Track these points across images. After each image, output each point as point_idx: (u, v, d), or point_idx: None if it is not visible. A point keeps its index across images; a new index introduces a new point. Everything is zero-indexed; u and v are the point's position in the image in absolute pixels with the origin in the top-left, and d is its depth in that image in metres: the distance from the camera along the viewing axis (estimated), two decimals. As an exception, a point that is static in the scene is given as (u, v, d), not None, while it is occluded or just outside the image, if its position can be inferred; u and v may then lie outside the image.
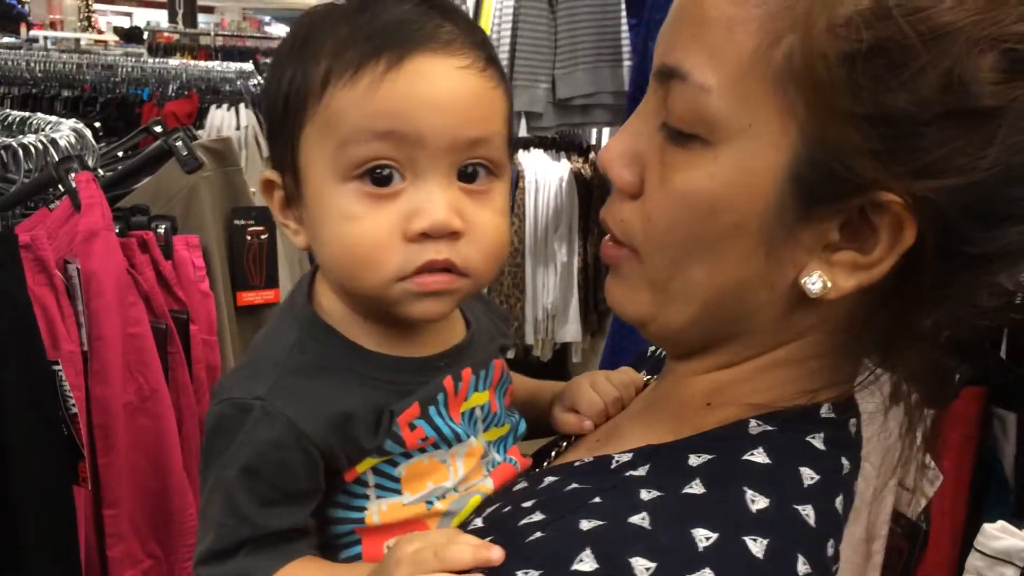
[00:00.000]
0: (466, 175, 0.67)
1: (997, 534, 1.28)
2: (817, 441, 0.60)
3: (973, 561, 1.31)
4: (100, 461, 1.49)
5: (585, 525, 0.55)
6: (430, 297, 0.67)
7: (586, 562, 0.52)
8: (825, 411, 0.62)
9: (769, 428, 0.60)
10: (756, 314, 0.60)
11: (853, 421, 0.64)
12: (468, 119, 0.65)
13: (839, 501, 0.59)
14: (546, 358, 4.33)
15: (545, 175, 4.20)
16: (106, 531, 1.52)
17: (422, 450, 0.71)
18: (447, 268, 0.66)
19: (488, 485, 0.74)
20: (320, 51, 0.66)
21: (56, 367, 1.38)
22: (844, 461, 0.61)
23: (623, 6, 3.05)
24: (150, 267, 1.60)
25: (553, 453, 0.79)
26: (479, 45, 0.68)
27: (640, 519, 0.54)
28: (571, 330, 4.29)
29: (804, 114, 0.53)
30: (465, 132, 0.65)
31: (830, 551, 0.57)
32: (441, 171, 0.65)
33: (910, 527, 1.61)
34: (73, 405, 1.39)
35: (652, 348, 0.92)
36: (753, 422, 0.60)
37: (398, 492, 0.71)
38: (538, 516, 0.59)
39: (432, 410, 0.72)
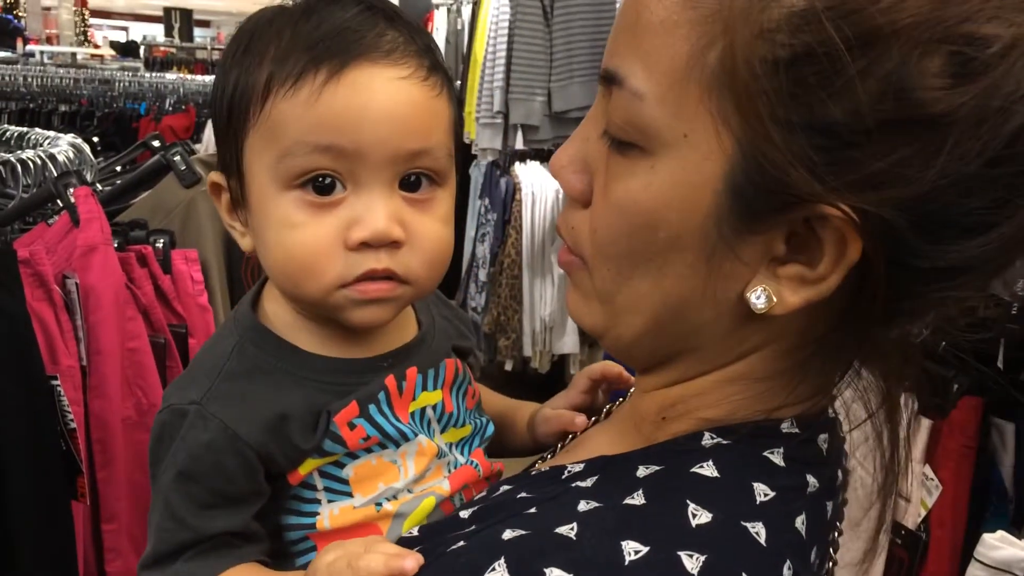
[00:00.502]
0: (408, 184, 0.68)
1: (997, 544, 1.28)
2: (776, 456, 0.56)
3: (973, 571, 1.31)
4: (99, 476, 1.49)
5: (507, 535, 0.53)
6: (372, 304, 0.68)
7: (498, 571, 0.50)
8: (787, 426, 0.58)
9: (723, 441, 0.57)
10: (704, 329, 0.57)
11: (824, 437, 0.60)
12: (408, 131, 0.65)
13: (801, 520, 0.56)
14: (544, 370, 4.32)
15: (542, 187, 4.20)
16: (104, 546, 1.51)
17: (368, 450, 0.71)
18: (388, 276, 0.67)
19: (445, 487, 0.74)
20: (263, 57, 0.66)
21: (55, 382, 1.38)
22: (810, 478, 0.57)
23: (619, 19, 3.07)
24: (149, 281, 1.60)
25: (536, 464, 0.77)
26: (422, 52, 0.67)
27: (568, 529, 0.52)
28: (569, 342, 4.28)
29: (738, 124, 0.49)
30: (406, 144, 0.65)
31: (787, 572, 0.53)
32: (382, 181, 0.66)
33: (910, 537, 1.61)
34: (72, 420, 1.39)
35: None
36: (707, 435, 0.57)
37: (348, 495, 0.71)
38: (471, 526, 0.58)
39: (373, 409, 0.71)
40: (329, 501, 0.71)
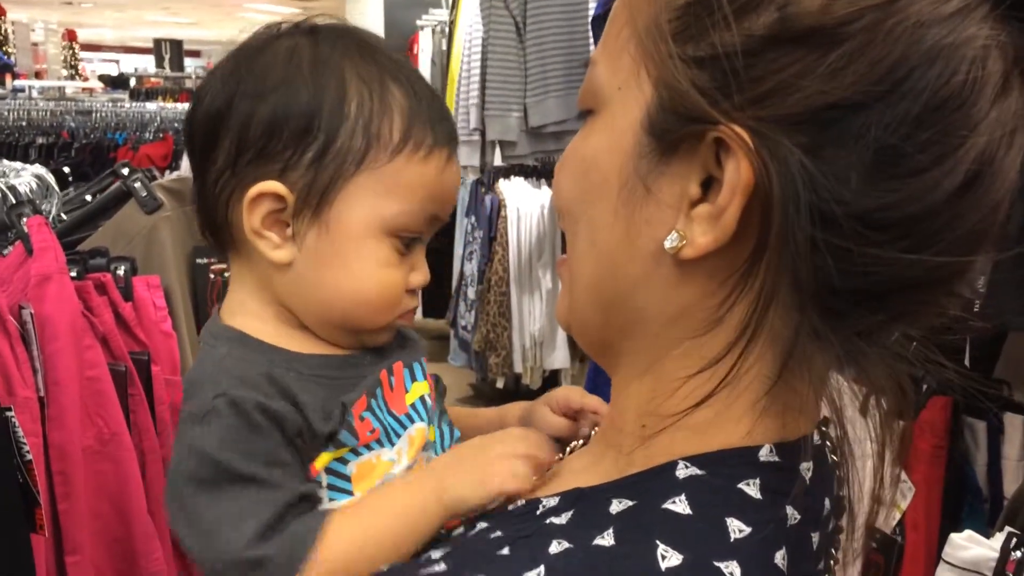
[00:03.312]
0: None
1: (965, 544, 1.27)
2: (751, 488, 0.54)
3: (943, 572, 1.29)
4: (60, 507, 1.48)
5: None
6: (392, 331, 0.80)
7: None
8: (766, 454, 0.56)
9: (698, 472, 0.55)
10: (638, 291, 0.57)
11: (807, 465, 0.58)
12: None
13: (780, 555, 0.53)
14: (536, 386, 4.31)
15: (526, 203, 4.21)
16: (69, 579, 1.49)
17: (368, 447, 0.74)
18: None
19: None
20: (383, 106, 0.74)
21: (9, 413, 1.36)
22: (790, 510, 0.55)
23: (590, 33, 3.07)
24: (108, 309, 1.59)
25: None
26: None
27: (535, 575, 0.51)
28: (559, 357, 4.28)
29: (652, 68, 0.53)
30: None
31: None
32: (426, 241, 0.80)
33: (885, 541, 1.59)
34: (28, 452, 1.38)
35: None
36: (681, 465, 0.55)
37: (349, 492, 0.73)
38: (441, 566, 0.56)
39: (374, 403, 0.76)
40: (331, 499, 0.73)
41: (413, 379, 0.81)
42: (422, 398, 0.81)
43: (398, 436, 0.77)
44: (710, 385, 0.55)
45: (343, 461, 0.73)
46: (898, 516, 1.59)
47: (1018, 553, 1.21)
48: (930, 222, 0.49)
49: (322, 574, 0.66)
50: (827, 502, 0.60)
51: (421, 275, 0.78)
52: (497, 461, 0.67)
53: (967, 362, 1.52)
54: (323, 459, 0.73)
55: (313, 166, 0.73)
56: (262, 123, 0.72)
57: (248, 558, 0.66)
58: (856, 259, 0.50)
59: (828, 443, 0.63)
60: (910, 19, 0.47)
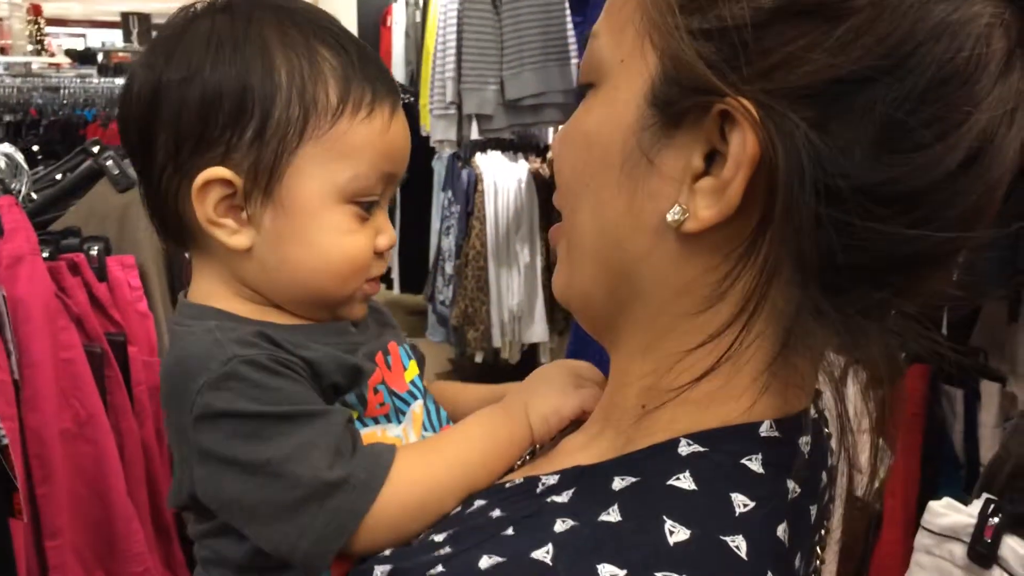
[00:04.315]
0: None
1: (942, 511, 1.28)
2: (754, 464, 0.55)
3: (921, 539, 1.31)
4: (38, 491, 1.46)
5: (484, 562, 0.51)
6: (365, 301, 0.79)
7: None
8: (766, 429, 0.56)
9: (700, 449, 0.55)
10: (642, 266, 0.57)
11: (805, 439, 0.58)
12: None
13: (783, 528, 0.54)
14: (515, 360, 4.32)
15: (504, 177, 4.18)
16: (49, 563, 1.48)
17: (376, 420, 0.75)
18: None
19: None
20: (314, 70, 0.71)
21: (-17, 398, 1.34)
22: (790, 484, 0.56)
23: (567, 5, 3.05)
24: (82, 290, 1.56)
25: (519, 462, 0.75)
26: None
27: (543, 553, 0.50)
28: (538, 330, 4.28)
29: (658, 40, 0.53)
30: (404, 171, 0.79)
31: None
32: (388, 199, 0.78)
33: (866, 510, 1.61)
34: (4, 436, 1.36)
35: None
36: (684, 442, 0.56)
37: None
38: (445, 548, 0.56)
39: (384, 379, 0.77)
40: None
41: (409, 357, 0.82)
42: (416, 377, 0.82)
43: (402, 415, 0.78)
44: (711, 359, 0.55)
45: None
46: (876, 484, 1.61)
47: (995, 519, 1.23)
48: (932, 197, 0.49)
49: (407, 494, 0.66)
50: (823, 475, 0.61)
51: (387, 237, 0.77)
52: (568, 383, 0.72)
53: (944, 330, 1.53)
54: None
55: (255, 144, 0.71)
56: (194, 110, 0.70)
57: (328, 480, 0.64)
58: (859, 234, 0.50)
59: (820, 415, 0.64)
60: None
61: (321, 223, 0.73)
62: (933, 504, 1.29)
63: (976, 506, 1.26)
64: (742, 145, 0.49)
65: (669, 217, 0.53)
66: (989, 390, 1.57)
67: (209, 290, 0.76)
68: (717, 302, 0.55)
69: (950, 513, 1.27)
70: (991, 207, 0.52)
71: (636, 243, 0.56)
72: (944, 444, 1.60)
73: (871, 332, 0.55)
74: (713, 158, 0.52)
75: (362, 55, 0.75)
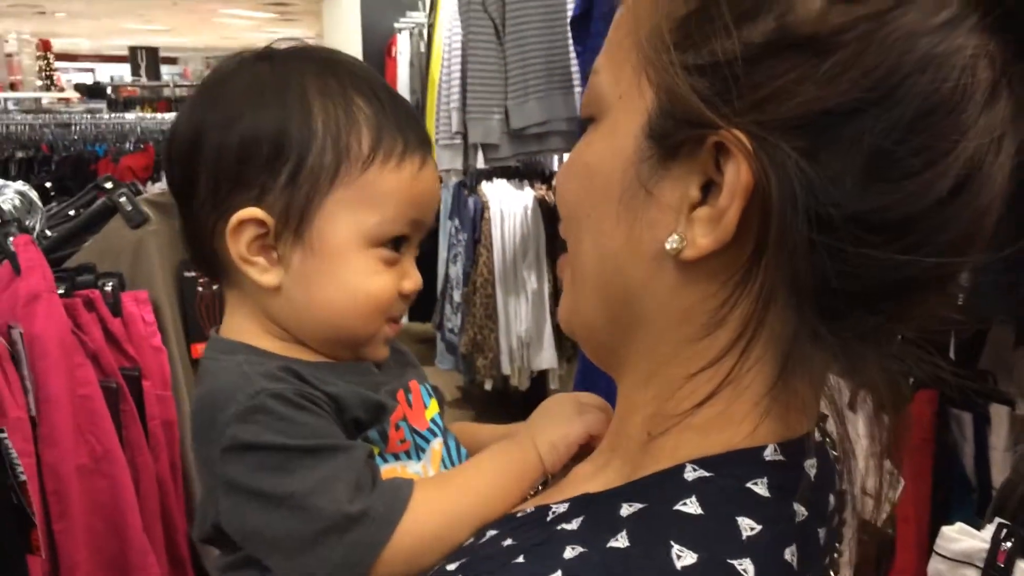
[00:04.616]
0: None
1: (956, 536, 1.28)
2: (759, 487, 0.56)
3: (935, 565, 1.31)
4: (55, 527, 1.47)
5: None
6: (387, 343, 0.81)
7: None
8: (770, 453, 0.57)
9: (706, 474, 0.56)
10: (644, 295, 0.58)
11: (811, 462, 0.59)
12: (436, 209, 0.83)
13: (790, 552, 0.55)
14: (524, 387, 4.32)
15: (510, 204, 4.21)
16: (66, 598, 1.49)
17: (396, 456, 0.77)
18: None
19: None
20: (349, 120, 0.75)
21: (1, 435, 1.36)
22: (797, 507, 0.56)
23: (569, 34, 3.08)
24: (97, 326, 1.58)
25: (531, 492, 0.77)
26: None
27: None
28: (547, 357, 4.28)
29: (654, 76, 0.55)
30: (433, 219, 0.83)
31: None
32: (416, 244, 0.81)
33: (878, 536, 1.61)
34: (22, 472, 1.37)
35: None
36: (689, 467, 0.57)
37: None
38: None
39: (406, 416, 0.80)
40: None
41: (430, 396, 0.84)
42: (436, 415, 0.84)
43: (422, 452, 0.80)
44: (712, 385, 0.56)
45: None
46: (888, 510, 1.61)
47: (1008, 543, 1.23)
48: (922, 224, 0.51)
49: (423, 526, 0.68)
50: (831, 498, 0.62)
51: (412, 282, 0.79)
52: (573, 411, 0.75)
53: (952, 354, 1.54)
54: None
55: (288, 187, 0.74)
56: (233, 152, 0.74)
57: (349, 513, 0.66)
58: (852, 260, 0.51)
59: (828, 439, 0.65)
60: (902, 29, 0.48)
61: (348, 265, 0.76)
62: (946, 529, 1.29)
63: (989, 531, 1.26)
64: (736, 175, 0.51)
65: (668, 245, 0.55)
66: (999, 413, 1.57)
67: (240, 325, 0.79)
68: (716, 328, 0.56)
69: (963, 538, 1.27)
70: (982, 232, 0.53)
71: (636, 271, 0.58)
72: (955, 468, 1.60)
73: (869, 356, 0.56)
74: (710, 188, 0.54)
75: (396, 105, 0.79)
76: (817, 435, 0.62)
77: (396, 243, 0.78)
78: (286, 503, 0.67)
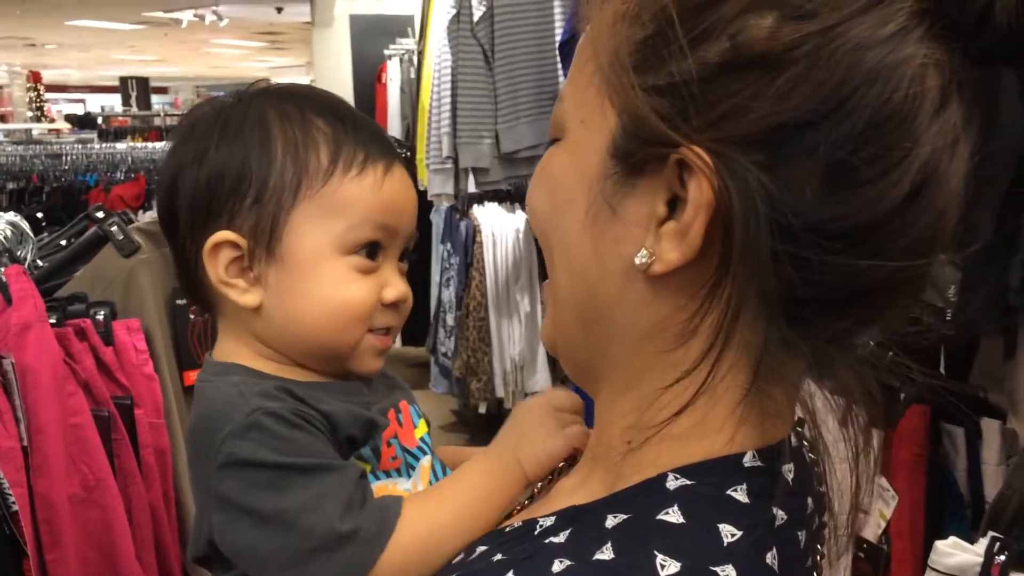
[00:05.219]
0: (401, 256, 0.84)
1: (949, 551, 1.29)
2: (739, 494, 0.57)
3: (930, 580, 1.31)
4: (47, 557, 1.46)
5: None
6: (379, 355, 0.82)
7: None
8: (749, 459, 0.58)
9: (687, 483, 0.57)
10: (615, 310, 0.59)
11: (788, 467, 0.60)
12: (414, 218, 0.84)
13: (771, 556, 0.56)
14: (518, 410, 4.31)
15: (501, 228, 4.23)
16: (59, 629, 1.48)
17: (387, 473, 0.79)
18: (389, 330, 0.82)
19: None
20: (307, 138, 0.78)
21: (-7, 466, 1.35)
22: (777, 511, 0.58)
23: (558, 58, 3.11)
24: (89, 355, 1.58)
25: (517, 508, 0.78)
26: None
27: None
28: (540, 379, 4.28)
29: (615, 98, 0.56)
30: (412, 228, 0.84)
31: None
32: (396, 254, 0.82)
33: (872, 550, 1.61)
34: (13, 503, 1.37)
35: None
36: (671, 476, 0.58)
37: None
38: None
39: (397, 433, 0.81)
40: None
41: (419, 416, 0.86)
42: (426, 434, 0.85)
43: (412, 469, 0.82)
44: (687, 395, 0.57)
45: None
46: (883, 525, 1.61)
47: (1001, 557, 1.23)
48: (881, 230, 0.52)
49: (410, 545, 0.69)
50: (809, 501, 0.62)
51: (394, 289, 0.80)
52: (554, 425, 0.74)
53: (942, 369, 1.55)
54: None
55: (254, 207, 0.77)
56: (203, 184, 0.78)
57: (340, 532, 0.68)
58: (815, 268, 0.52)
59: (804, 443, 0.65)
60: (850, 43, 0.50)
61: (320, 275, 0.78)
62: (939, 544, 1.29)
63: (982, 545, 1.26)
64: (699, 190, 0.52)
65: (636, 261, 0.56)
66: (990, 427, 1.58)
67: (232, 349, 0.81)
68: (689, 339, 0.57)
69: (957, 552, 1.28)
70: (942, 234, 0.55)
71: (606, 287, 0.59)
72: (949, 483, 1.60)
73: (840, 360, 0.57)
74: (675, 203, 0.55)
75: (357, 122, 0.81)
76: (794, 439, 0.63)
77: (371, 251, 0.79)
78: (278, 520, 0.68)
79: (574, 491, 0.65)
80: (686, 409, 0.57)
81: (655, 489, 0.57)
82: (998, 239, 1.36)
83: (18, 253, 1.92)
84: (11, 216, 2.01)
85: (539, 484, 0.80)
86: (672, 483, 0.57)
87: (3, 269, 1.47)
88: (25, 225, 1.97)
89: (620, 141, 0.56)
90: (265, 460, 0.70)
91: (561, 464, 0.81)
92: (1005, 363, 1.65)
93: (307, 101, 0.81)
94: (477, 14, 3.44)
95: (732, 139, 0.51)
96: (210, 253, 0.77)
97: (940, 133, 0.52)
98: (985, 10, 0.52)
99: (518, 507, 0.77)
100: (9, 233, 1.85)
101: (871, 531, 1.61)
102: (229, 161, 0.78)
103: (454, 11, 3.53)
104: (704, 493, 0.56)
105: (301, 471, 0.70)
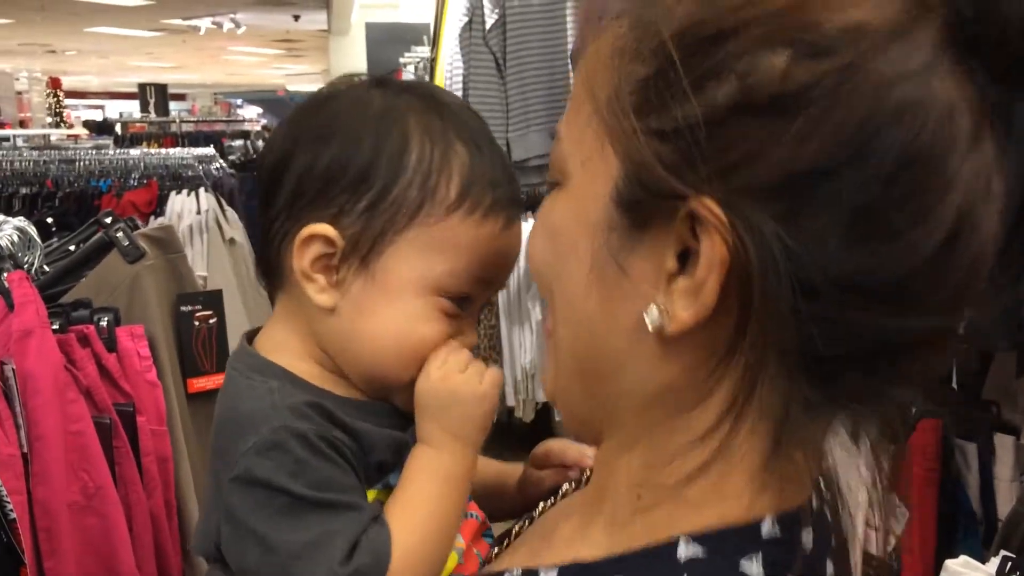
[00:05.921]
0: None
1: (960, 569, 1.26)
2: (754, 565, 0.53)
3: (939, 599, 1.28)
4: (46, 565, 1.45)
5: None
6: None
7: None
8: (768, 528, 0.54)
9: (699, 552, 0.54)
10: (624, 367, 0.56)
11: (807, 531, 0.56)
12: (511, 272, 0.81)
13: None
14: (528, 419, 4.29)
15: (513, 236, 4.21)
16: (57, 638, 1.47)
17: None
18: None
19: (459, 540, 0.79)
20: (444, 161, 0.74)
21: (-8, 473, 1.35)
22: None
23: (570, 67, 3.10)
24: (91, 362, 1.57)
25: (516, 527, 0.77)
26: None
27: None
28: (551, 389, 4.26)
29: (617, 143, 0.52)
30: (505, 283, 0.82)
31: None
32: (480, 305, 0.80)
33: (882, 567, 1.58)
34: (11, 511, 1.36)
35: None
36: (683, 544, 0.54)
37: None
38: None
39: None
40: None
41: None
42: None
43: None
44: (702, 458, 0.54)
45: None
46: (893, 541, 1.58)
47: (1013, 577, 1.20)
48: (913, 282, 0.48)
49: (411, 555, 0.70)
50: (829, 565, 0.59)
51: (468, 340, 0.78)
52: (457, 386, 0.74)
53: (955, 384, 1.52)
54: (370, 495, 0.75)
55: (366, 214, 0.74)
56: (322, 168, 0.74)
57: (344, 574, 0.67)
58: (840, 325, 0.48)
59: (825, 499, 0.61)
60: (871, 80, 0.46)
61: (404, 305, 0.75)
62: (950, 563, 1.26)
63: (994, 564, 1.23)
64: (712, 247, 0.48)
65: (648, 319, 0.52)
66: (1003, 443, 1.55)
67: (282, 341, 0.79)
68: (705, 400, 0.54)
69: (967, 572, 1.25)
70: (976, 283, 0.50)
71: (613, 344, 0.55)
72: (960, 499, 1.57)
73: (868, 415, 0.54)
74: (687, 255, 0.51)
75: (495, 158, 0.77)
76: (815, 499, 0.59)
77: (460, 300, 0.76)
78: (283, 551, 0.68)
79: (576, 539, 0.62)
80: (701, 473, 0.54)
81: (665, 558, 0.54)
82: (1012, 253, 1.33)
83: (25, 259, 1.93)
84: (18, 221, 2.01)
85: (540, 506, 0.78)
86: (683, 551, 0.54)
87: (6, 275, 1.46)
88: (32, 230, 1.97)
89: (623, 189, 0.52)
90: (282, 486, 0.69)
91: (565, 487, 0.79)
92: (1018, 378, 1.62)
93: (453, 118, 0.77)
94: (489, 22, 3.44)
95: (746, 189, 0.47)
96: (304, 241, 0.75)
97: (974, 173, 0.48)
98: (1009, 22, 0.47)
99: (516, 528, 0.76)
100: (16, 238, 1.84)
101: (881, 547, 1.58)
102: (358, 154, 0.74)
103: (466, 19, 3.52)
104: (716, 564, 0.53)
105: (316, 506, 0.68)
